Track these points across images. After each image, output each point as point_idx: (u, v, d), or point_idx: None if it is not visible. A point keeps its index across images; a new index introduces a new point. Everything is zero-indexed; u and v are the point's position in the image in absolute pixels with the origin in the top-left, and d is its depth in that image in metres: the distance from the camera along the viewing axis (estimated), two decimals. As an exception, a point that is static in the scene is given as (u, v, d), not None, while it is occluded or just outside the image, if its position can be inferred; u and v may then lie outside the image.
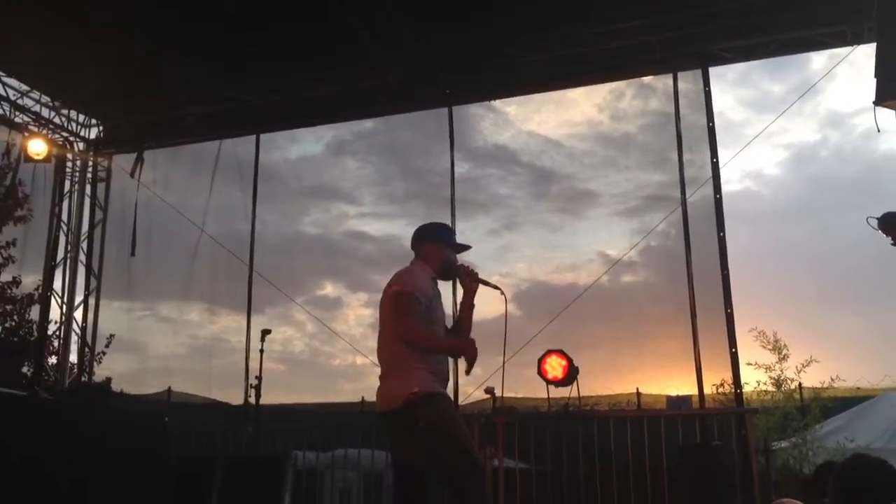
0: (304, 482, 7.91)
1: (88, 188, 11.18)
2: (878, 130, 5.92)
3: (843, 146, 21.79)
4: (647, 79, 9.13)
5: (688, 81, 8.68)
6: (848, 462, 2.71)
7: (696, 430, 7.31)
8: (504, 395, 4.86)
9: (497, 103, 9.84)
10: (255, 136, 10.32)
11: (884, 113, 5.93)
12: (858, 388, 11.46)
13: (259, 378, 7.56)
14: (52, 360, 11.03)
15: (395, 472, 4.12)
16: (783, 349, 10.80)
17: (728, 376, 8.09)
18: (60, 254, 10.93)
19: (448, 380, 4.17)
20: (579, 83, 9.20)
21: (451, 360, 4.20)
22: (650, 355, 8.64)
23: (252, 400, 7.63)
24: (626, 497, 7.07)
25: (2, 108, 10.04)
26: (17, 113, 10.19)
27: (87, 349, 10.81)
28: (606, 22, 8.33)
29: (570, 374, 7.22)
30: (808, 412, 10.41)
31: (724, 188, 8.27)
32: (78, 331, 10.83)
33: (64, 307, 10.85)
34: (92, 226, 11.09)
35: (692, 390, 7.95)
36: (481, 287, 4.34)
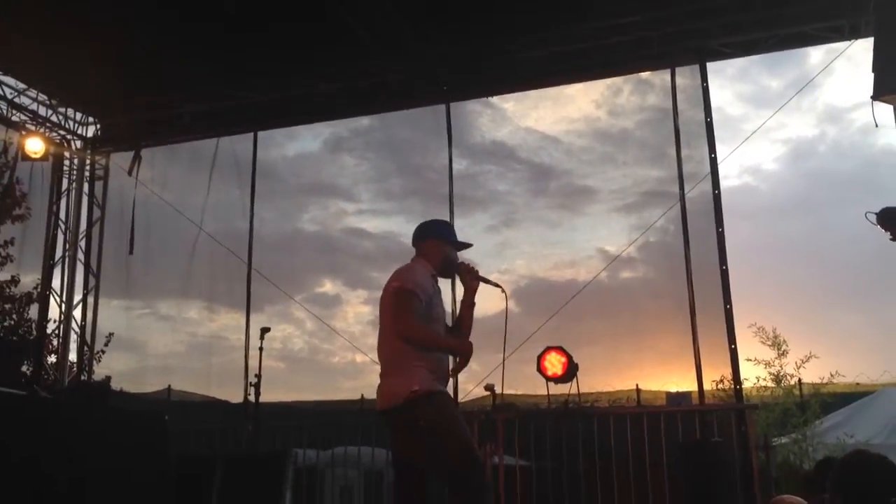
0: (305, 480, 7.90)
1: (86, 186, 11.17)
2: (876, 125, 5.91)
3: (841, 141, 21.79)
4: (644, 74, 9.13)
5: (686, 77, 8.68)
6: (848, 458, 2.71)
7: (695, 427, 7.30)
8: (504, 392, 4.85)
9: (495, 100, 9.84)
10: (252, 133, 10.31)
11: (881, 108, 5.93)
12: (858, 384, 11.45)
13: (258, 376, 7.56)
14: (52, 358, 11.04)
15: (395, 469, 4.12)
16: (782, 345, 10.77)
17: (727, 372, 8.08)
18: (59, 252, 10.93)
19: (448, 378, 4.16)
20: (577, 79, 9.18)
21: (451, 358, 4.20)
22: (649, 351, 8.65)
23: (252, 398, 7.63)
24: (626, 494, 7.08)
25: (-1, 106, 10.04)
26: (13, 111, 10.17)
27: (86, 348, 10.80)
28: (604, 17, 8.32)
29: (570, 371, 7.23)
30: (808, 408, 10.39)
31: (723, 183, 8.29)
32: (77, 329, 10.82)
33: (63, 306, 10.84)
34: (90, 224, 11.08)
35: (692, 386, 7.95)
36: (481, 284, 4.34)
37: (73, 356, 10.84)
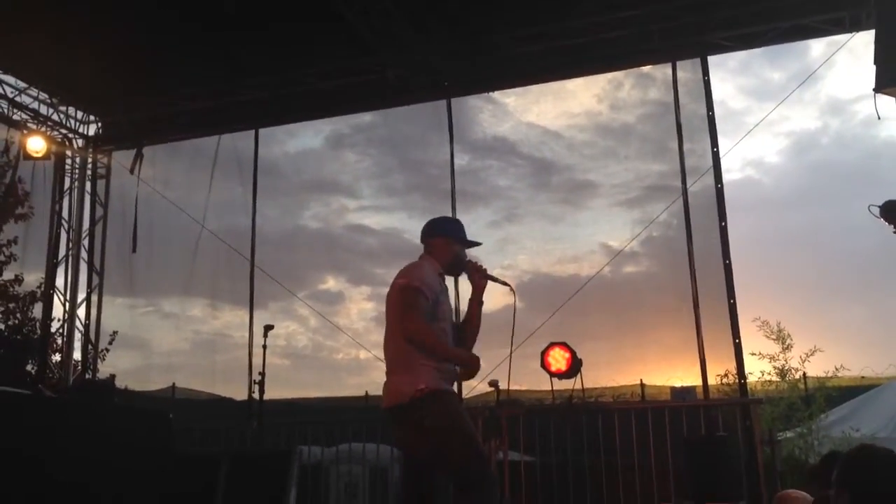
0: (310, 477, 7.91)
1: (88, 185, 11.20)
2: (879, 118, 5.89)
3: (843, 133, 21.78)
4: (645, 68, 9.11)
5: (687, 70, 8.66)
6: (854, 453, 2.69)
7: (700, 422, 7.29)
8: (508, 387, 4.84)
9: (496, 95, 9.81)
10: (253, 130, 10.31)
11: (884, 100, 5.91)
12: (863, 378, 11.46)
13: (262, 374, 7.57)
14: (56, 357, 11.05)
15: (403, 464, 4.12)
16: (787, 339, 10.79)
17: (732, 367, 8.08)
18: (62, 251, 10.97)
19: (455, 376, 4.14)
20: (578, 73, 9.17)
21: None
22: (653, 346, 8.63)
23: (256, 395, 7.64)
24: (630, 489, 7.08)
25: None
26: (14, 110, 10.18)
27: (90, 346, 10.83)
28: (604, 11, 8.30)
29: (574, 367, 7.22)
30: (813, 402, 10.40)
31: (725, 177, 8.28)
32: (81, 328, 10.86)
33: (66, 304, 10.87)
34: (93, 223, 11.11)
35: (696, 381, 7.94)
36: (489, 282, 4.32)
37: (77, 355, 10.90)
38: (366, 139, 10.74)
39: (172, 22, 8.27)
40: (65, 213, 11.02)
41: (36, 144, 9.92)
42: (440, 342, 4.01)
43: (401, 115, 9.98)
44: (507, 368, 4.45)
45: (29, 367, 11.11)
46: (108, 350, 11.08)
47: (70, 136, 10.92)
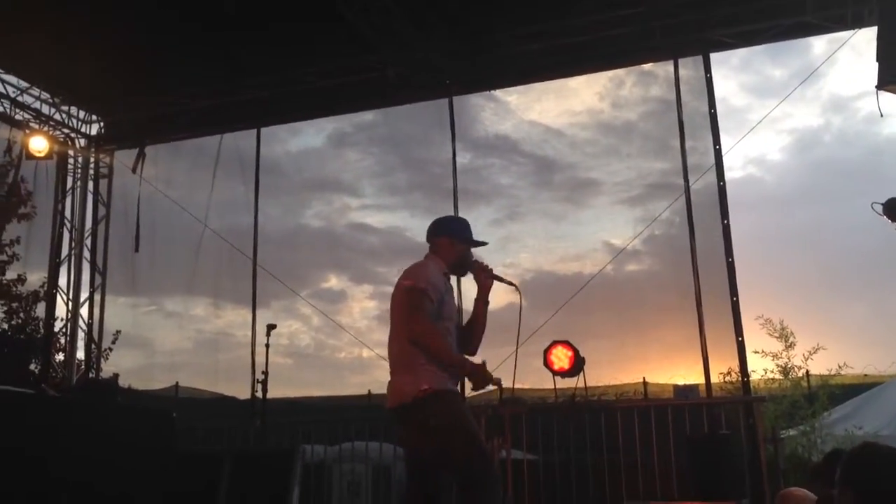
0: (313, 475, 7.92)
1: (91, 185, 11.21)
2: (881, 115, 5.86)
3: (846, 130, 21.70)
4: (647, 66, 9.10)
5: (689, 68, 8.65)
6: (857, 451, 2.68)
7: (703, 420, 7.28)
8: (513, 386, 4.83)
9: (498, 93, 9.81)
10: (255, 129, 10.32)
11: (886, 97, 5.88)
12: (866, 375, 11.42)
13: (265, 372, 7.58)
14: (60, 357, 11.07)
15: (408, 464, 4.11)
16: (790, 337, 10.73)
17: (735, 365, 8.07)
18: (65, 250, 10.98)
19: (459, 376, 4.11)
20: (579, 71, 9.16)
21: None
22: (656, 344, 8.63)
23: (259, 394, 7.65)
24: (634, 487, 7.07)
25: (1, 105, 10.05)
26: (16, 110, 10.18)
27: (93, 345, 10.85)
28: (606, 9, 8.28)
29: (577, 365, 7.20)
30: (816, 400, 10.36)
31: (728, 175, 8.28)
32: (84, 327, 10.87)
33: (70, 304, 10.88)
34: (95, 222, 11.12)
35: (699, 379, 7.93)
36: (495, 282, 4.31)
37: (80, 354, 10.90)
38: (367, 138, 10.76)
39: (173, 22, 8.27)
40: (67, 213, 11.03)
41: (38, 144, 9.92)
42: (445, 347, 3.96)
43: (402, 113, 9.99)
44: (510, 367, 4.44)
45: (32, 367, 11.14)
46: (111, 349, 11.12)
47: (72, 135, 10.93)
